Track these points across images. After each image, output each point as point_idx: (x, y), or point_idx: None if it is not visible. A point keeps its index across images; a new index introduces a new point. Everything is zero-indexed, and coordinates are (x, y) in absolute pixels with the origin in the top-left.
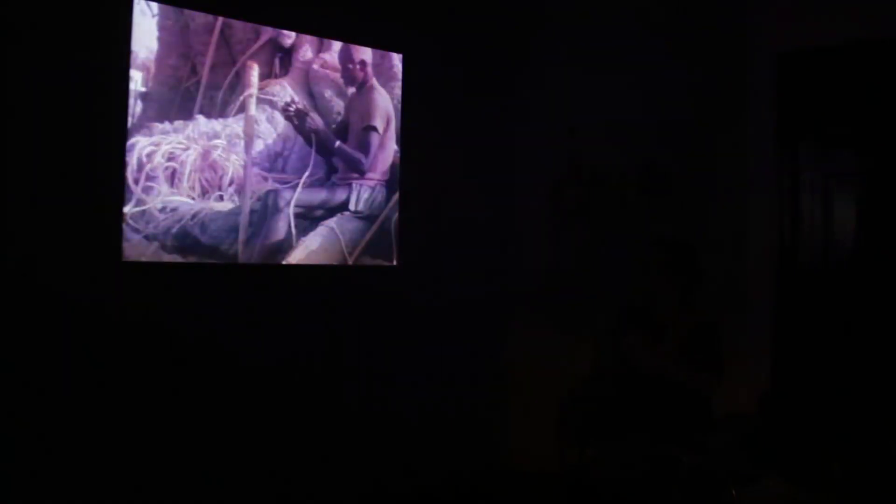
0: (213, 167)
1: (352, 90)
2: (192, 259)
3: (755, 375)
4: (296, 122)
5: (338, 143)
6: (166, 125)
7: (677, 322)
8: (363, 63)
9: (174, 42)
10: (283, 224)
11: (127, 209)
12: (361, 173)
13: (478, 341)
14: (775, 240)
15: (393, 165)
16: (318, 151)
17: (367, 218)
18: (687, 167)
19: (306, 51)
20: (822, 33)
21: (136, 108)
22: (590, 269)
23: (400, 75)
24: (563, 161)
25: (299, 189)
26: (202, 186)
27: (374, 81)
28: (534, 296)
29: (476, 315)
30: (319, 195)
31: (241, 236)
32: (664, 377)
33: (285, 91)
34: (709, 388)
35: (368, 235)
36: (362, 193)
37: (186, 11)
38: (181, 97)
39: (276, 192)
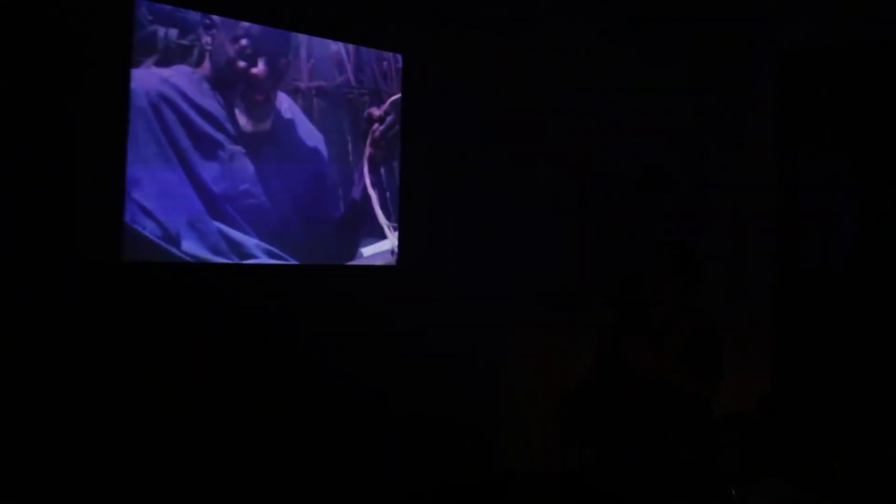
0: None
1: None
2: None
3: (755, 375)
4: None
5: None
6: None
7: (677, 323)
8: None
9: None
10: None
11: None
12: None
13: (478, 341)
14: (775, 240)
15: None
16: None
17: None
18: (687, 168)
19: None
20: (823, 34)
21: None
22: (590, 269)
23: None
24: (564, 161)
25: None
26: None
27: None
28: (534, 296)
29: (476, 315)
30: None
31: None
32: (664, 379)
33: None
34: (709, 390)
35: None
36: None
37: None
38: None
39: None
